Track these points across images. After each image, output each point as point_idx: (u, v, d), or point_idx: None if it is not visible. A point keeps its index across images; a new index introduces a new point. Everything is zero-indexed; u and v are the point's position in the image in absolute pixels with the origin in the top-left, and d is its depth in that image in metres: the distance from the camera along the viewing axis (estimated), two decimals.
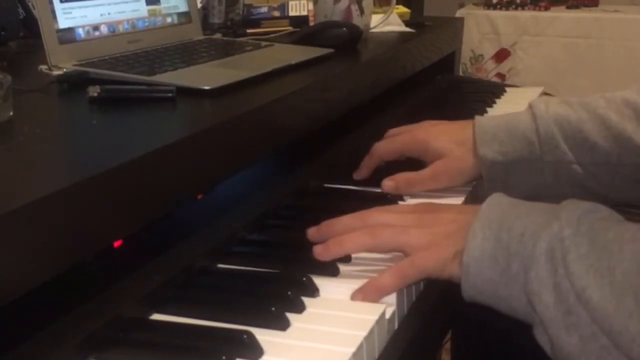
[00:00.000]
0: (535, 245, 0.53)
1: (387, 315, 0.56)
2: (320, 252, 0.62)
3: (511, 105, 1.20)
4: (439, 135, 0.83)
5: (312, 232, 0.65)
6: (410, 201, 0.78)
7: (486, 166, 0.79)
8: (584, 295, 0.50)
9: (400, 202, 0.78)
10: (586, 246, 0.51)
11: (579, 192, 0.80)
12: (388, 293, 0.58)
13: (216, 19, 1.26)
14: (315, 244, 0.63)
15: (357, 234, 0.62)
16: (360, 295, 0.58)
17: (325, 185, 0.83)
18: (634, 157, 0.77)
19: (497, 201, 0.59)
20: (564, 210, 0.55)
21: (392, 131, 0.88)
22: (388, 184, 0.78)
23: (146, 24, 0.95)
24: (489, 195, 0.74)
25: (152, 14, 0.96)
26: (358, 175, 0.84)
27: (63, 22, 0.83)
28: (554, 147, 0.78)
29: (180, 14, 1.01)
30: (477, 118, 0.84)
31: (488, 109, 1.16)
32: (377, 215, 0.64)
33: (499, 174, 0.80)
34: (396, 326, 0.58)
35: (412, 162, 0.84)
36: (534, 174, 0.80)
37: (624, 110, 0.78)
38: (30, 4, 1.11)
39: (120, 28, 0.91)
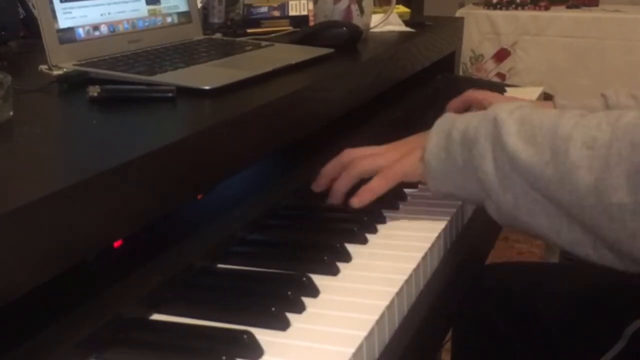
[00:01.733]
0: (477, 132, 0.66)
1: (387, 315, 0.56)
2: (332, 198, 0.75)
3: None
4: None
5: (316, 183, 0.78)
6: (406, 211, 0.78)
7: None
8: (515, 157, 0.62)
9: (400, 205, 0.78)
10: (517, 126, 0.64)
11: None
12: (379, 193, 0.72)
13: (216, 19, 1.26)
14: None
15: (344, 175, 0.75)
16: (357, 199, 0.72)
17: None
18: None
19: (447, 115, 0.73)
20: (498, 106, 0.68)
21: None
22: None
23: (146, 23, 0.95)
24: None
25: (152, 13, 0.96)
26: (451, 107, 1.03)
27: (63, 22, 0.83)
28: None
29: (180, 14, 1.01)
30: (556, 98, 0.98)
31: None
32: (353, 151, 0.77)
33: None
34: (396, 326, 0.58)
35: None
36: None
37: None
38: (30, 4, 1.11)
39: (120, 28, 0.91)
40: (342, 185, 0.75)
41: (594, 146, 0.58)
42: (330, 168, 0.77)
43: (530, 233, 0.65)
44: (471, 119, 0.68)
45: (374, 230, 0.70)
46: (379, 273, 0.62)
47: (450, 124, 0.70)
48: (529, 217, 0.63)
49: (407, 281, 0.61)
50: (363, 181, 0.74)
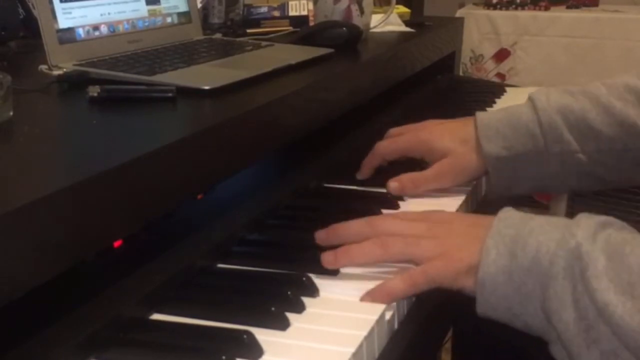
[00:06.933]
0: (552, 263, 0.53)
1: (387, 316, 0.56)
2: (330, 262, 0.61)
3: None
4: (442, 135, 0.82)
5: (320, 236, 0.64)
6: (411, 201, 0.78)
7: (492, 162, 0.79)
8: (607, 310, 0.50)
9: (401, 202, 0.78)
10: (604, 262, 0.51)
11: (585, 180, 0.81)
12: (397, 299, 0.58)
13: (216, 19, 1.26)
14: (322, 247, 0.63)
15: (366, 245, 0.60)
16: (370, 298, 0.57)
17: (325, 185, 0.84)
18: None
19: (508, 215, 0.59)
20: (579, 226, 0.54)
21: (394, 131, 0.87)
22: (393, 185, 0.78)
23: (146, 23, 0.95)
24: (494, 191, 0.77)
25: (152, 13, 0.96)
26: (360, 175, 0.85)
27: (63, 22, 0.83)
28: (559, 138, 0.78)
29: (180, 14, 1.01)
30: (478, 114, 0.83)
31: (488, 109, 1.16)
32: (387, 222, 0.63)
33: (505, 169, 0.80)
34: (396, 326, 0.58)
35: (414, 162, 0.84)
36: (540, 165, 0.79)
37: (626, 96, 0.78)
38: (30, 4, 1.11)
39: (120, 28, 0.91)
40: (354, 258, 0.61)
41: None
42: (353, 230, 0.63)
43: None
44: (544, 237, 0.54)
45: None
46: (379, 273, 0.62)
47: (514, 236, 0.56)
48: None
49: None
50: None
